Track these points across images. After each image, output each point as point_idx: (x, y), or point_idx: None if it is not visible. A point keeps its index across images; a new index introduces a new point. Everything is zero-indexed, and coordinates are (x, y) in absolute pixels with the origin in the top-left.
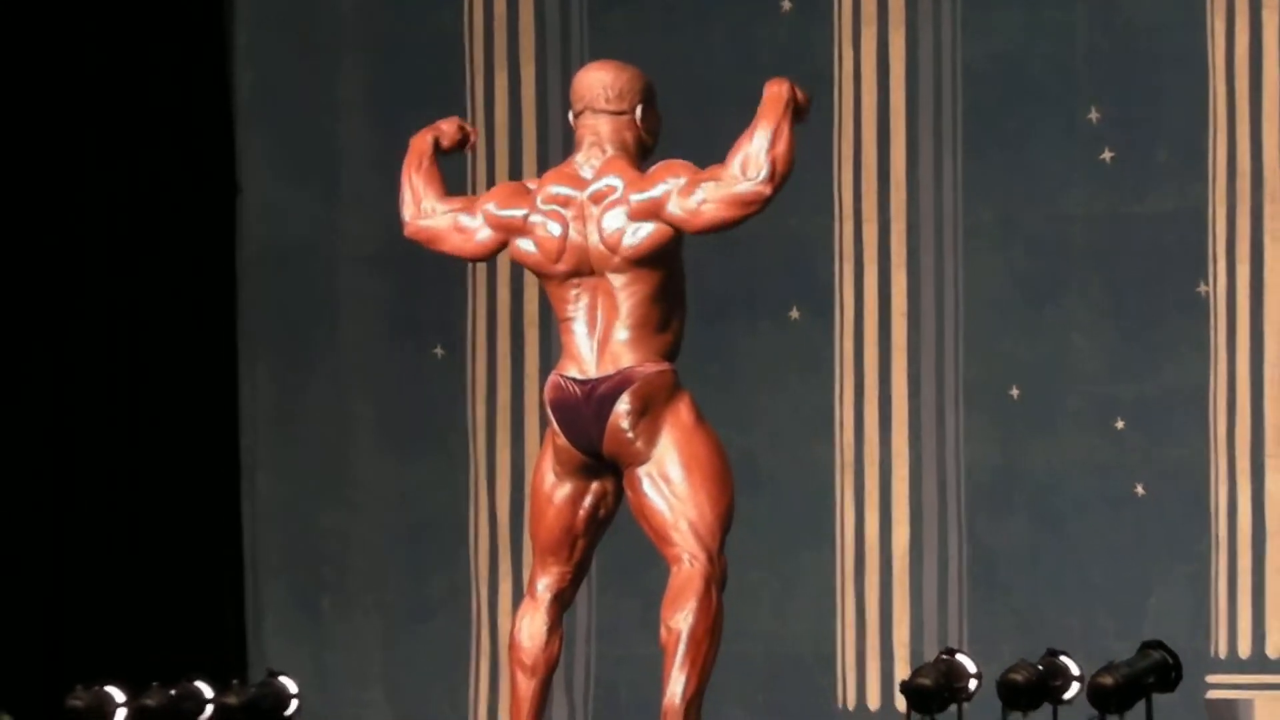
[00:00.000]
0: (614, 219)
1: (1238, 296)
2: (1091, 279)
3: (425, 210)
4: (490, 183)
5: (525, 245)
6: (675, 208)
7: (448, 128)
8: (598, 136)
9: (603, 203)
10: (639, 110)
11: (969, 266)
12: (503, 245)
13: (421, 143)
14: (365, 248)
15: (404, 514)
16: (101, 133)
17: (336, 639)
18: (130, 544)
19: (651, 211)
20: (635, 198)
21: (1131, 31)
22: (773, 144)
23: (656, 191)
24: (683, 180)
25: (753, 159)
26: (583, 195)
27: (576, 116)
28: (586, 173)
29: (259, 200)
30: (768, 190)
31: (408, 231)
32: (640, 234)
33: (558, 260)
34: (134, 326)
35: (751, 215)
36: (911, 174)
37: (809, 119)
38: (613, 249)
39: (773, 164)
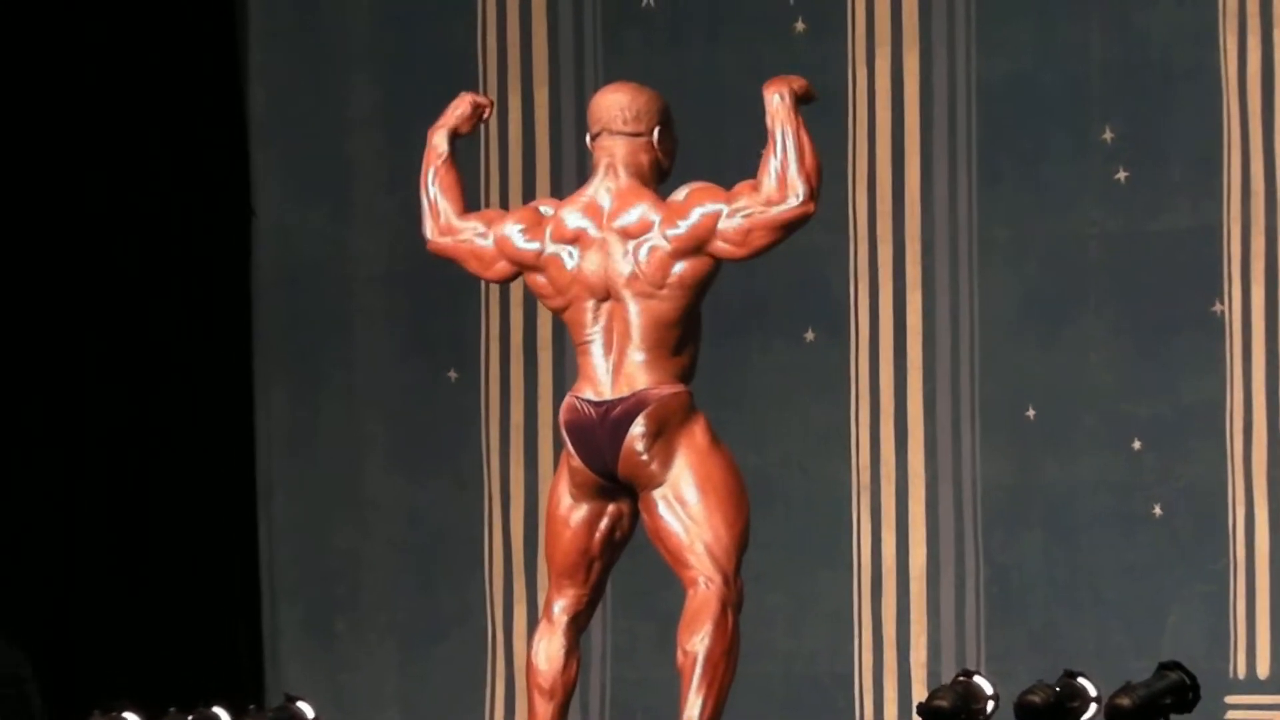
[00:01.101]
0: (651, 252)
1: (1252, 315)
2: (1106, 298)
3: (443, 228)
4: (502, 203)
5: (538, 278)
6: (722, 241)
7: (461, 112)
8: (613, 159)
9: (636, 235)
10: (656, 132)
11: (984, 286)
12: (519, 274)
13: (438, 143)
14: (378, 269)
15: (417, 535)
16: (114, 155)
17: (351, 661)
18: (146, 567)
19: (695, 245)
20: (672, 232)
21: (1144, 49)
22: (801, 160)
23: (697, 223)
24: (720, 208)
25: (788, 181)
26: (602, 224)
27: (593, 139)
28: (604, 199)
29: (272, 221)
30: (811, 208)
31: (430, 249)
32: (683, 268)
33: (568, 292)
34: (148, 349)
35: (795, 232)
36: (926, 194)
37: (819, 97)
38: (655, 283)
39: (808, 181)
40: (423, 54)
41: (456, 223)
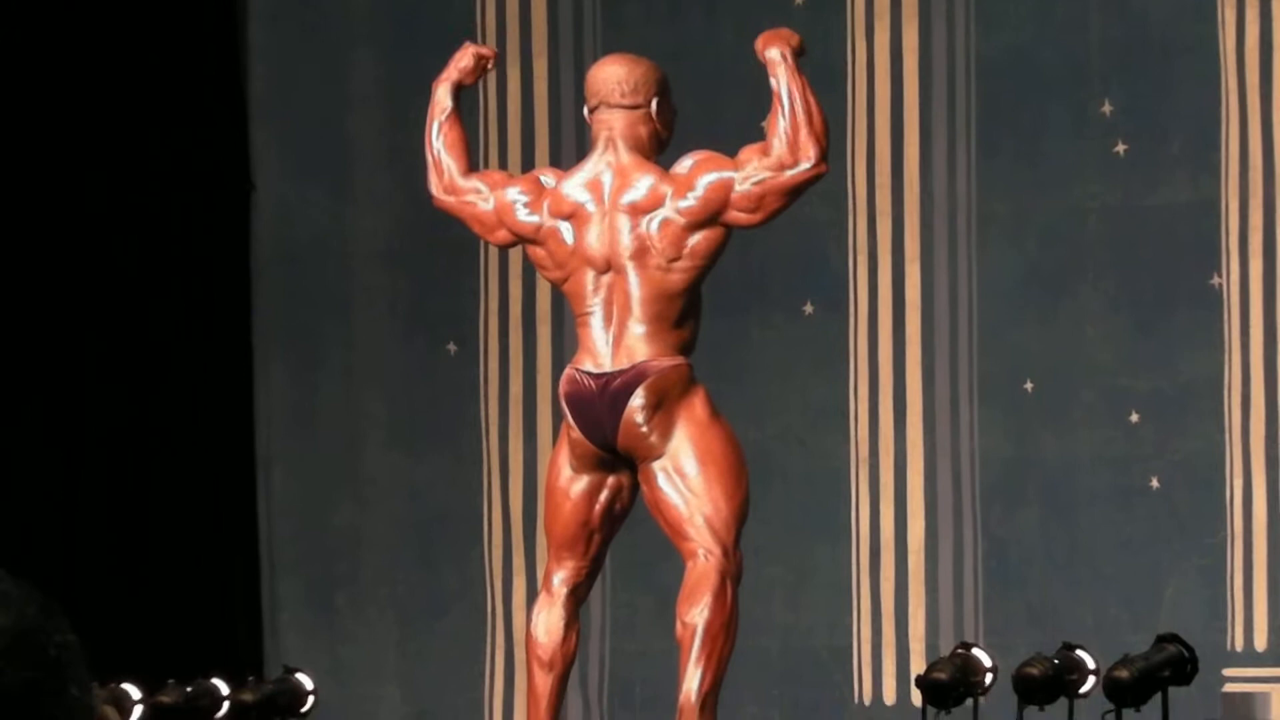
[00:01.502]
0: (664, 225)
1: (1251, 289)
2: (1105, 272)
3: (447, 185)
4: None
5: (537, 250)
6: (736, 209)
7: (465, 64)
8: (612, 132)
9: (647, 210)
10: (654, 103)
11: (982, 260)
12: (520, 242)
13: (442, 96)
14: (378, 244)
15: (417, 510)
16: (114, 131)
17: (351, 635)
18: (145, 541)
19: (709, 215)
20: (685, 204)
21: (1143, 23)
22: (809, 121)
23: (708, 194)
24: (731, 176)
25: (799, 144)
26: (603, 199)
27: (591, 112)
28: (606, 174)
29: (272, 197)
30: (823, 168)
31: (435, 204)
32: (697, 239)
33: (566, 265)
34: (148, 324)
35: (806, 192)
36: (925, 168)
37: (809, 52)
38: (670, 256)
39: (818, 142)
40: (422, 29)
41: (460, 182)
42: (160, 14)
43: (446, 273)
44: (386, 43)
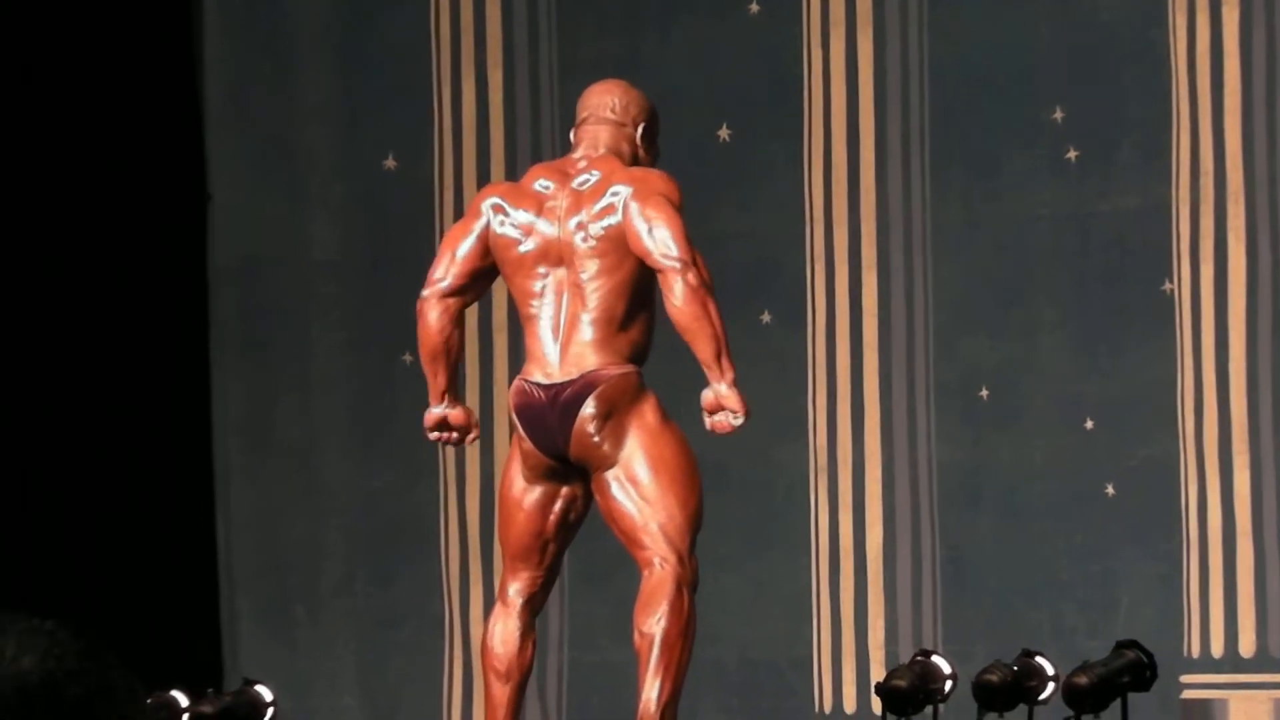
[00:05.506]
0: (610, 227)
1: (1202, 294)
2: (1058, 278)
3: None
4: (457, 189)
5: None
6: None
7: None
8: (596, 139)
9: (606, 209)
10: (640, 128)
11: (937, 267)
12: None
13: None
14: (333, 255)
15: (375, 520)
16: (71, 142)
17: (310, 646)
18: (103, 554)
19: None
20: (614, 220)
21: (1094, 30)
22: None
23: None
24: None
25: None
26: (567, 192)
27: (579, 125)
28: (577, 167)
29: (228, 208)
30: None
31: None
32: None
33: (524, 261)
34: (105, 336)
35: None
36: (881, 176)
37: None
38: (616, 252)
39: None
40: (378, 41)
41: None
42: (116, 26)
43: (402, 283)
44: (342, 54)
